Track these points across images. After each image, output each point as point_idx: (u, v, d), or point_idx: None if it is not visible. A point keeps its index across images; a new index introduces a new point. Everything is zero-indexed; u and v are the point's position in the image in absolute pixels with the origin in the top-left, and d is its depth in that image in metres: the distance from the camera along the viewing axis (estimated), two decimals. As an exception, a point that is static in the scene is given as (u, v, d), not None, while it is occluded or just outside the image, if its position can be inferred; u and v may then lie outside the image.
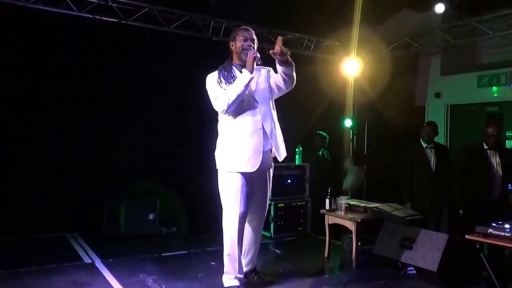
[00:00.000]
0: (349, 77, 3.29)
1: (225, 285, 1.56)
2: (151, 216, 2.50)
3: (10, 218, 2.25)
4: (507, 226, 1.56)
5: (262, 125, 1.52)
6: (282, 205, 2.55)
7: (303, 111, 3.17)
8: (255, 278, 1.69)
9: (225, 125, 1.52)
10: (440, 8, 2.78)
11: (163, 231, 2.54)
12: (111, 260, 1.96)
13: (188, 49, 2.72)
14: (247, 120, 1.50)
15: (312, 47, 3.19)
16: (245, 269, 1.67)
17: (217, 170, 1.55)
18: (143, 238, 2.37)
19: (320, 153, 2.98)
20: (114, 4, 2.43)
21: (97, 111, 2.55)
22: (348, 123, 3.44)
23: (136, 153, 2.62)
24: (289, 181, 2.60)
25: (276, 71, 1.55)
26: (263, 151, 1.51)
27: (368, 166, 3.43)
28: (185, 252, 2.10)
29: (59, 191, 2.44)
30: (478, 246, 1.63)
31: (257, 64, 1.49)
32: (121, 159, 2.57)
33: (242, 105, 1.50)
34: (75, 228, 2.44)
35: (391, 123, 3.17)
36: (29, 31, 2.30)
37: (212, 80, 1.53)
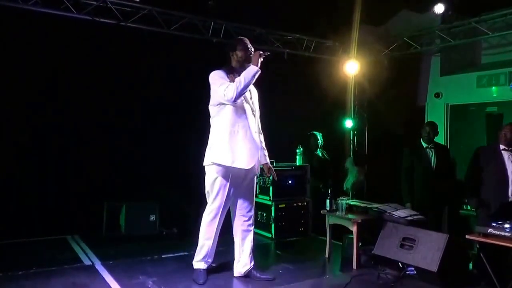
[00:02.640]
0: (349, 77, 3.31)
1: (195, 267, 1.72)
2: (151, 218, 2.50)
3: (10, 220, 2.25)
4: (507, 226, 1.57)
5: (259, 130, 1.73)
6: (283, 205, 2.55)
7: (303, 111, 3.17)
8: (256, 276, 1.74)
9: (225, 122, 1.63)
10: (439, 8, 2.80)
11: (164, 233, 2.54)
12: (111, 262, 1.96)
13: (188, 50, 2.71)
14: (247, 121, 1.65)
15: (312, 48, 3.20)
16: (245, 268, 1.75)
17: (204, 166, 1.66)
18: (144, 240, 2.37)
19: (318, 153, 2.98)
20: (113, 6, 2.43)
21: (97, 113, 2.55)
22: (348, 123, 3.44)
23: (136, 155, 2.62)
24: (289, 182, 2.60)
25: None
26: (257, 154, 1.68)
27: (369, 167, 3.43)
28: (186, 253, 2.10)
29: (60, 193, 2.44)
30: (478, 246, 1.63)
31: (263, 59, 1.61)
32: (122, 161, 2.57)
33: (246, 108, 1.66)
34: (76, 230, 2.43)
35: (391, 123, 3.18)
36: (28, 33, 2.29)
37: (220, 75, 1.63)
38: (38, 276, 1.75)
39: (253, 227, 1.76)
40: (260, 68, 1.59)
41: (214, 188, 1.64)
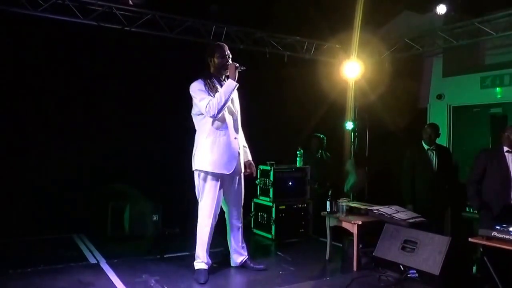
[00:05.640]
0: (350, 79, 3.30)
1: (196, 267, 1.80)
2: (154, 218, 2.54)
3: (18, 219, 2.32)
4: (511, 229, 1.55)
5: (237, 135, 1.81)
6: (283, 207, 2.56)
7: (304, 114, 3.16)
8: (250, 266, 1.87)
9: (206, 131, 1.75)
10: (441, 9, 2.77)
11: (167, 232, 2.58)
12: (115, 260, 2.01)
13: (190, 54, 2.77)
14: (227, 129, 1.75)
15: (313, 50, 3.20)
16: (240, 258, 1.89)
17: (193, 170, 1.79)
18: (147, 239, 2.42)
19: (319, 155, 2.99)
20: (118, 12, 2.49)
21: (102, 115, 2.61)
22: (349, 125, 3.44)
23: (140, 156, 2.67)
24: (290, 183, 2.61)
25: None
26: (237, 158, 1.78)
27: (370, 168, 3.41)
28: (187, 253, 2.12)
29: (66, 193, 2.50)
30: (481, 250, 1.61)
31: (239, 71, 1.73)
32: (126, 162, 2.62)
33: (226, 115, 1.76)
34: (81, 229, 2.50)
35: (393, 125, 3.15)
36: (37, 38, 2.37)
37: (199, 87, 1.73)
38: (46, 273, 1.81)
39: (241, 220, 1.90)
40: (237, 80, 1.69)
41: (202, 190, 1.77)
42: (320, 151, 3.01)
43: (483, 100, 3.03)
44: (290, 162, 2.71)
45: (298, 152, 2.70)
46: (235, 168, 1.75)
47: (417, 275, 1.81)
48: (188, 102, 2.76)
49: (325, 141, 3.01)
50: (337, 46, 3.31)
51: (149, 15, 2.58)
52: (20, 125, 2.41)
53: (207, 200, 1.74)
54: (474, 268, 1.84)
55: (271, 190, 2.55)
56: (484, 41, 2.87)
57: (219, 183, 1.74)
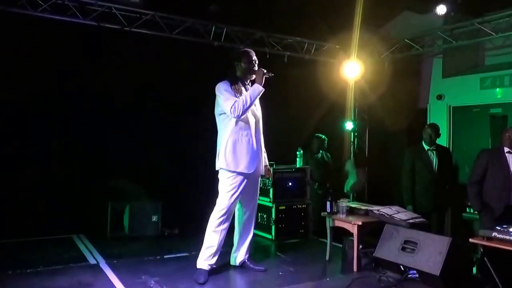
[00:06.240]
0: (349, 80, 3.30)
1: (198, 266, 1.79)
2: (154, 218, 2.54)
3: (17, 220, 2.32)
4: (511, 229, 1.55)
5: (260, 137, 1.87)
6: (283, 207, 2.56)
7: (304, 114, 3.17)
8: (250, 266, 1.89)
9: (230, 131, 1.79)
10: (441, 9, 2.78)
11: (166, 233, 2.58)
12: (115, 261, 2.00)
13: (190, 54, 2.76)
14: (250, 130, 1.80)
15: (313, 50, 3.21)
16: (241, 258, 1.91)
17: (217, 170, 1.81)
18: (146, 240, 2.41)
19: (320, 155, 3.00)
20: (118, 12, 2.49)
21: (102, 115, 2.61)
22: (349, 125, 3.43)
23: (140, 156, 2.68)
24: (290, 183, 2.61)
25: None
26: (259, 158, 1.82)
27: (370, 169, 3.42)
28: (187, 254, 2.13)
29: (66, 193, 2.50)
30: (482, 250, 1.61)
31: (266, 78, 1.79)
32: (126, 162, 2.62)
33: (249, 117, 1.80)
34: (81, 229, 2.50)
35: (393, 125, 3.15)
36: (37, 38, 2.36)
37: (225, 88, 1.78)
38: (45, 274, 1.80)
39: (254, 222, 1.93)
40: (263, 86, 1.76)
41: (224, 190, 1.77)
42: (320, 152, 3.01)
43: (483, 101, 3.04)
44: (290, 162, 2.72)
45: (298, 152, 2.71)
46: (256, 168, 1.79)
47: (417, 275, 1.80)
48: (188, 102, 2.79)
49: (326, 141, 3.01)
50: (337, 46, 3.32)
51: (149, 15, 2.58)
52: (20, 124, 2.41)
53: (226, 200, 1.75)
54: (475, 268, 1.84)
55: (271, 190, 2.56)
56: (484, 41, 2.87)
57: (240, 182, 1.76)
